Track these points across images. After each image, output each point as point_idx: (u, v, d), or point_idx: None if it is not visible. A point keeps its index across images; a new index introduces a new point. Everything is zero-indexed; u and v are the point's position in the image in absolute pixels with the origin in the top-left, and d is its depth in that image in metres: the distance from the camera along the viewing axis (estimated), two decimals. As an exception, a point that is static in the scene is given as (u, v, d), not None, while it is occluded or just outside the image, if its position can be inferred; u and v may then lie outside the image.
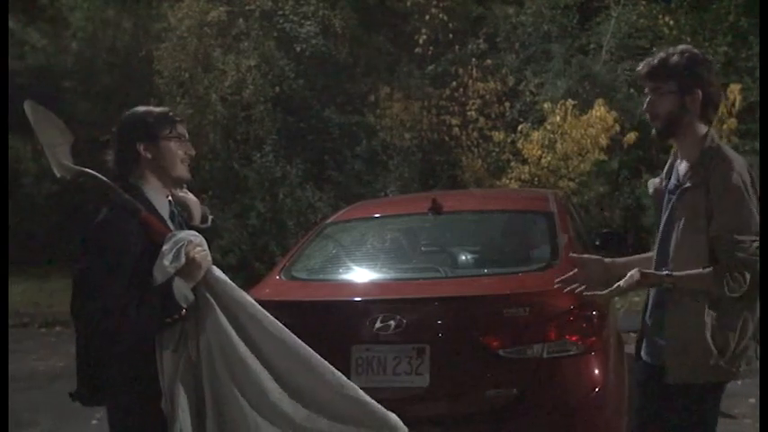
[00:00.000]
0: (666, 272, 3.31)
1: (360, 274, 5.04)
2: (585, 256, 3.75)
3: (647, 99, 3.49)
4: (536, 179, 12.72)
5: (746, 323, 3.33)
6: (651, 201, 3.81)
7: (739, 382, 7.17)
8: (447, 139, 14.76)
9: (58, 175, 3.19)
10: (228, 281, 3.07)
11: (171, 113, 3.34)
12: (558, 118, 12.62)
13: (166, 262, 2.97)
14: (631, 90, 14.02)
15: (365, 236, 5.73)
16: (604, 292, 3.36)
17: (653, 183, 3.70)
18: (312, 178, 14.92)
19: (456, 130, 14.51)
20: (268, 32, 15.62)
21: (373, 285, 4.90)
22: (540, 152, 12.75)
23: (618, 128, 12.35)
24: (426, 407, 4.28)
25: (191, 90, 15.49)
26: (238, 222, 14.58)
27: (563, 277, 3.65)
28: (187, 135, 3.35)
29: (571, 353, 4.15)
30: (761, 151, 10.43)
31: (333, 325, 4.42)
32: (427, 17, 15.21)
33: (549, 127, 12.83)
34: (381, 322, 4.28)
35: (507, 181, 13.16)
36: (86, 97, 17.40)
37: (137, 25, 17.86)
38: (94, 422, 6.95)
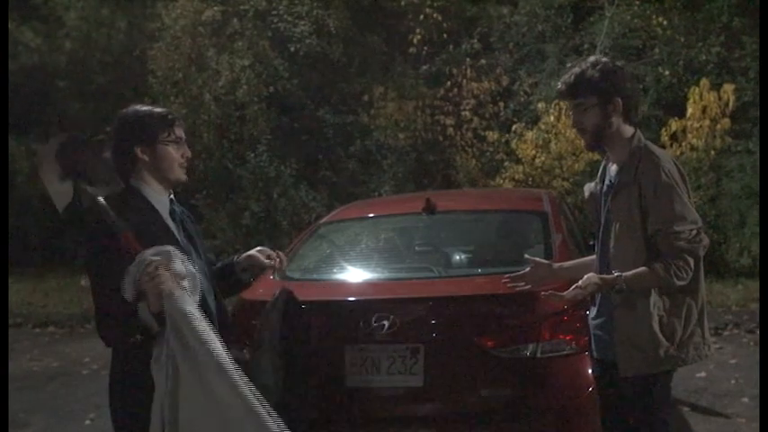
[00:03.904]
0: (617, 273, 3.38)
1: (354, 274, 5.05)
2: (536, 258, 3.90)
3: (572, 115, 3.60)
4: (530, 179, 12.74)
5: (690, 309, 3.44)
6: (587, 205, 3.94)
7: (732, 381, 7.28)
8: (441, 138, 14.77)
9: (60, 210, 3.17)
10: (188, 311, 2.82)
11: (170, 115, 3.32)
12: (552, 118, 12.64)
13: (126, 284, 2.90)
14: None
15: (359, 236, 5.74)
16: (565, 293, 3.46)
17: (588, 187, 3.84)
18: (306, 178, 14.91)
19: (450, 129, 14.53)
20: (262, 32, 15.60)
21: (367, 285, 4.90)
22: (534, 152, 12.78)
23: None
24: (420, 407, 4.29)
25: (184, 90, 15.47)
26: (232, 222, 14.57)
27: (513, 275, 3.83)
28: (184, 137, 3.35)
29: (565, 352, 4.16)
30: (761, 151, 10.50)
31: (327, 325, 4.42)
32: (421, 17, 15.21)
33: (543, 127, 12.85)
34: (375, 322, 4.28)
35: (501, 181, 13.18)
36: (80, 97, 17.36)
37: (131, 25, 17.82)
38: (88, 422, 6.95)
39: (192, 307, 2.84)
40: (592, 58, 3.60)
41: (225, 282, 3.62)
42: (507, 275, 3.87)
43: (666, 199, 3.34)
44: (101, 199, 3.07)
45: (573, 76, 3.51)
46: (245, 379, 2.74)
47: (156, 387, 2.88)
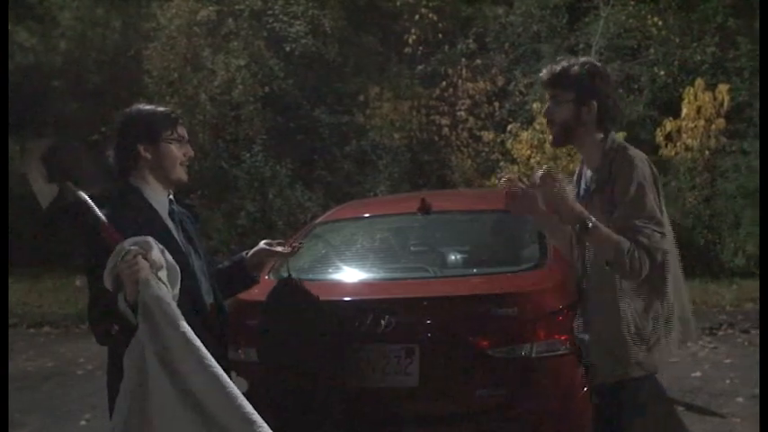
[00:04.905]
0: (592, 223, 3.25)
1: (349, 274, 5.04)
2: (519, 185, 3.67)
3: (547, 105, 3.59)
4: (525, 179, 12.73)
5: (657, 312, 3.36)
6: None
7: (727, 381, 7.28)
8: (436, 138, 14.79)
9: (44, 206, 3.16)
10: (162, 297, 2.81)
11: (173, 114, 3.33)
12: (547, 118, 12.64)
13: (105, 275, 2.88)
14: (620, 90, 14.08)
15: (354, 236, 5.73)
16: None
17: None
18: (302, 178, 14.92)
19: (445, 129, 14.55)
20: (257, 32, 15.62)
21: (362, 285, 4.90)
22: (529, 152, 12.80)
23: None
24: (415, 407, 4.29)
25: (180, 90, 15.47)
26: (228, 222, 14.57)
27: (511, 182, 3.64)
28: (187, 136, 3.35)
29: (560, 352, 4.15)
30: (761, 151, 10.53)
31: (322, 325, 4.41)
32: (417, 17, 15.23)
33: (538, 127, 12.86)
34: (371, 322, 4.28)
35: (497, 181, 13.15)
36: (75, 97, 17.34)
37: (126, 24, 17.82)
38: (83, 423, 6.94)
39: (166, 296, 2.82)
40: (584, 58, 3.59)
41: (234, 280, 3.64)
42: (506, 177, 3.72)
43: (635, 197, 3.29)
44: (82, 194, 3.05)
45: (559, 68, 3.51)
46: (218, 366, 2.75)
47: (124, 379, 2.84)
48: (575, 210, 3.30)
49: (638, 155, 3.41)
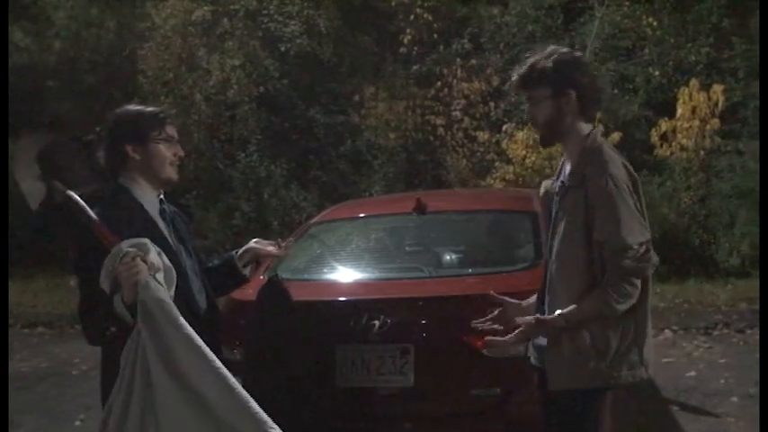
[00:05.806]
0: (558, 312, 3.19)
1: (344, 274, 5.05)
2: (505, 298, 3.63)
3: (528, 108, 3.42)
4: (520, 179, 12.75)
5: (628, 325, 3.21)
6: (542, 203, 3.70)
7: (722, 381, 7.28)
8: (432, 139, 14.78)
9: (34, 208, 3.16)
10: (163, 299, 2.82)
11: (161, 114, 3.34)
12: (542, 118, 12.64)
13: (102, 276, 2.88)
14: (615, 90, 14.11)
15: (350, 236, 5.74)
16: (507, 338, 3.31)
17: (545, 184, 3.63)
18: (297, 178, 14.91)
19: (441, 130, 14.55)
20: (252, 32, 15.60)
21: (358, 285, 4.90)
22: (524, 152, 12.79)
23: (602, 128, 12.39)
24: (410, 407, 4.29)
25: (175, 90, 15.45)
26: (223, 222, 14.54)
27: (482, 319, 3.58)
28: (177, 136, 3.35)
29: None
30: (761, 151, 10.54)
31: (317, 325, 4.41)
32: (412, 17, 15.23)
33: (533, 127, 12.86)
34: (366, 322, 4.28)
35: (492, 181, 13.20)
36: (70, 96, 17.28)
37: (121, 24, 17.77)
38: (78, 423, 6.93)
39: (166, 297, 2.83)
40: (549, 49, 3.37)
41: (224, 279, 3.63)
42: (476, 321, 3.62)
43: (610, 210, 3.12)
44: (71, 193, 3.06)
45: (526, 67, 3.32)
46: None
47: (119, 379, 2.83)
48: (538, 328, 3.26)
49: (612, 158, 3.24)
